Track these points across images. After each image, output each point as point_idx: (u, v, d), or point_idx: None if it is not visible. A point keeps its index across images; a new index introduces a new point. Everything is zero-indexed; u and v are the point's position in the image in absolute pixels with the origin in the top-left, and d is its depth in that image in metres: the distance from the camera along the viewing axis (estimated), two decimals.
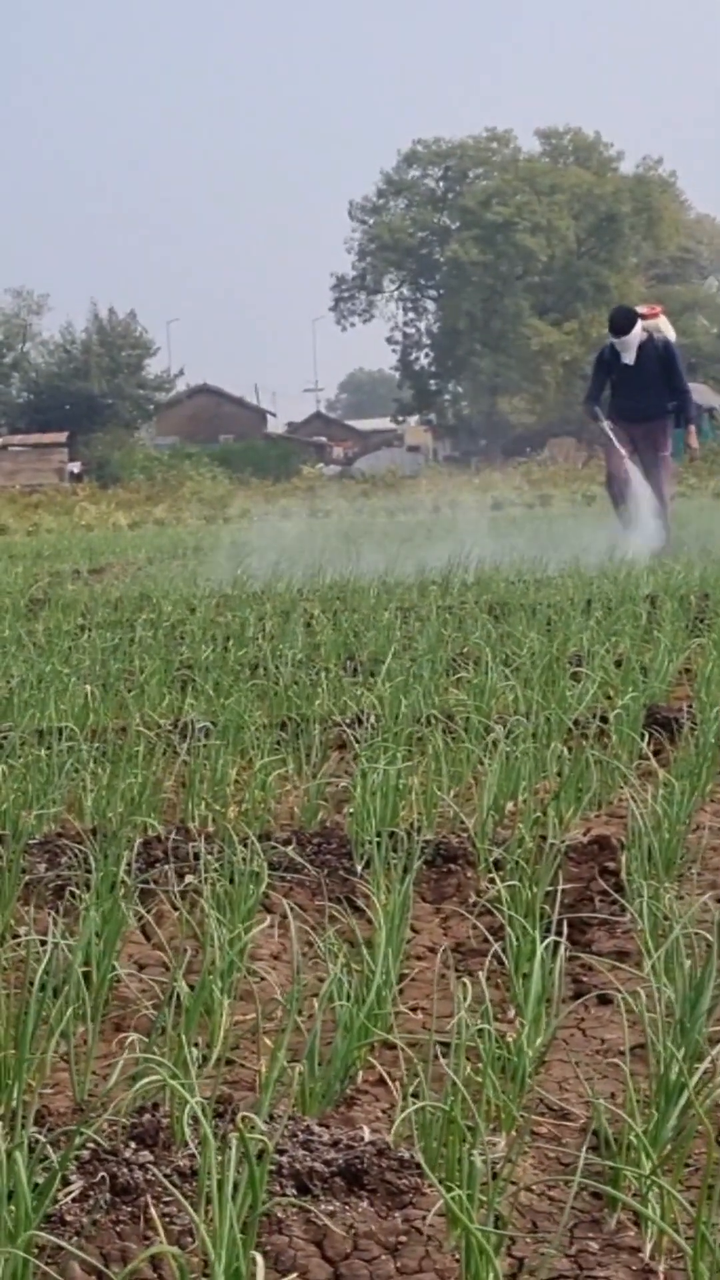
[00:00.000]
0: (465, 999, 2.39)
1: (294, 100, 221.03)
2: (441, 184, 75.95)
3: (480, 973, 2.61)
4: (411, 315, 77.33)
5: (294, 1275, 1.91)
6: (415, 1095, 2.27)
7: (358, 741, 4.65)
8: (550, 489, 32.34)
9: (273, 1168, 2.07)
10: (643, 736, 4.85)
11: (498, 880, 3.18)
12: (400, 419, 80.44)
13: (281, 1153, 2.11)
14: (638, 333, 13.60)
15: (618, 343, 13.71)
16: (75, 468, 59.88)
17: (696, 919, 3.01)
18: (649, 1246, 2.01)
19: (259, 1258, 1.64)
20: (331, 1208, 2.03)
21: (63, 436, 61.98)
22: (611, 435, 13.83)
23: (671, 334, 14.00)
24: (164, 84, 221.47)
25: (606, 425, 13.90)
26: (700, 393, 60.30)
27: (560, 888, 3.29)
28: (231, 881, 3.14)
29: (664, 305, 14.83)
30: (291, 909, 3.09)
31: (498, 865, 3.61)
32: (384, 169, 76.83)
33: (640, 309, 14.03)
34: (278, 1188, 2.04)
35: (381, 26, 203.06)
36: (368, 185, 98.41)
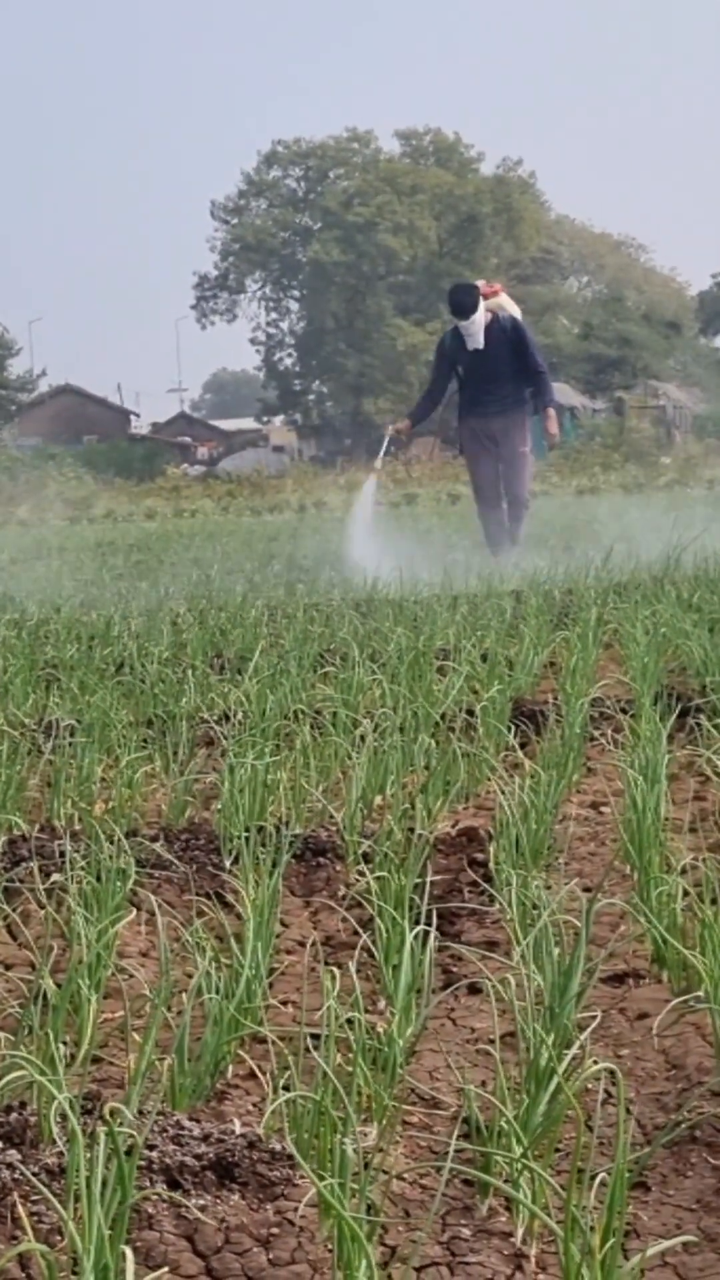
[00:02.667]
0: (334, 990, 2.38)
1: (155, 98, 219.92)
2: (303, 184, 75.97)
3: (350, 964, 2.60)
4: (275, 315, 77.32)
5: (165, 1270, 1.89)
6: (286, 1088, 2.25)
7: (225, 738, 4.62)
8: (415, 488, 32.43)
9: (143, 1163, 2.05)
10: (509, 729, 4.87)
11: (367, 873, 3.17)
12: (265, 419, 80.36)
13: (151, 1148, 2.09)
14: (482, 313, 11.84)
15: (463, 326, 11.90)
16: None
17: (564, 907, 3.03)
18: (520, 1231, 2.01)
19: (128, 1253, 1.62)
20: (203, 1201, 2.01)
21: None
22: (383, 449, 13.09)
23: (516, 311, 12.30)
24: (22, 76, 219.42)
25: (391, 431, 13.09)
26: (562, 392, 60.78)
27: (429, 879, 3.29)
28: (99, 879, 3.11)
29: (505, 286, 13.01)
30: (160, 905, 3.07)
31: (366, 858, 3.61)
32: (244, 169, 76.78)
33: (479, 285, 12.19)
34: (148, 1183, 2.02)
35: (241, 24, 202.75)
36: (229, 185, 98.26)
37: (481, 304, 11.77)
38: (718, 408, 57.61)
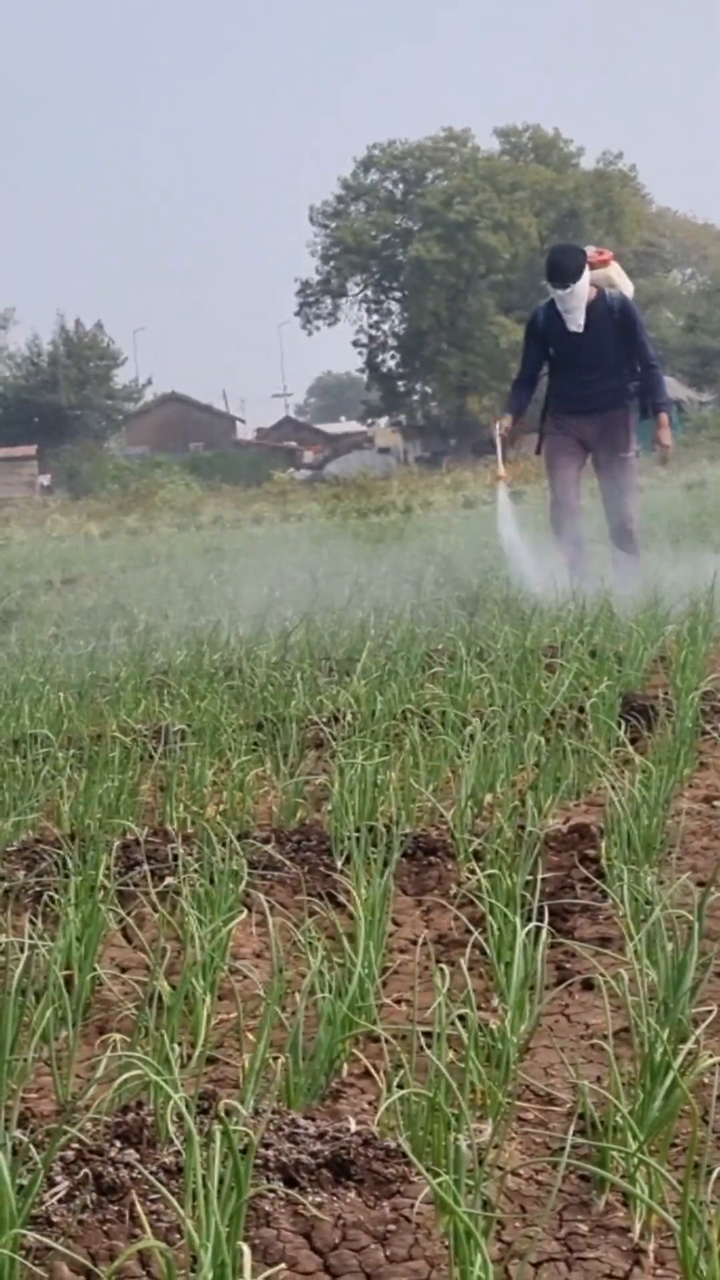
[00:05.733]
0: (446, 987, 2.39)
1: (251, 105, 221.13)
2: (400, 186, 75.99)
3: (462, 961, 2.60)
4: (376, 317, 77.32)
5: (282, 1266, 1.90)
6: (400, 1085, 2.26)
7: (334, 739, 4.64)
8: (522, 485, 32.31)
9: (259, 1161, 2.06)
10: (619, 725, 4.85)
11: (477, 870, 3.17)
12: (369, 421, 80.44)
13: (267, 1146, 2.10)
14: (585, 285, 9.53)
15: (560, 298, 9.57)
16: (45, 480, 59.83)
17: (677, 901, 3.01)
18: (638, 1226, 2.01)
19: (246, 1249, 1.63)
20: (319, 1199, 2.02)
21: (32, 449, 61.92)
22: (499, 451, 10.62)
23: (629, 288, 9.94)
24: (122, 91, 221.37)
25: (499, 429, 10.55)
26: (669, 385, 60.48)
27: (540, 876, 3.29)
28: (211, 881, 3.13)
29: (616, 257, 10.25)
30: (272, 906, 3.09)
31: (477, 856, 3.61)
32: (341, 175, 76.89)
33: (588, 251, 9.83)
34: (264, 1181, 2.03)
35: (333, 24, 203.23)
36: (326, 192, 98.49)
37: (586, 273, 9.51)
38: None
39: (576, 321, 9.54)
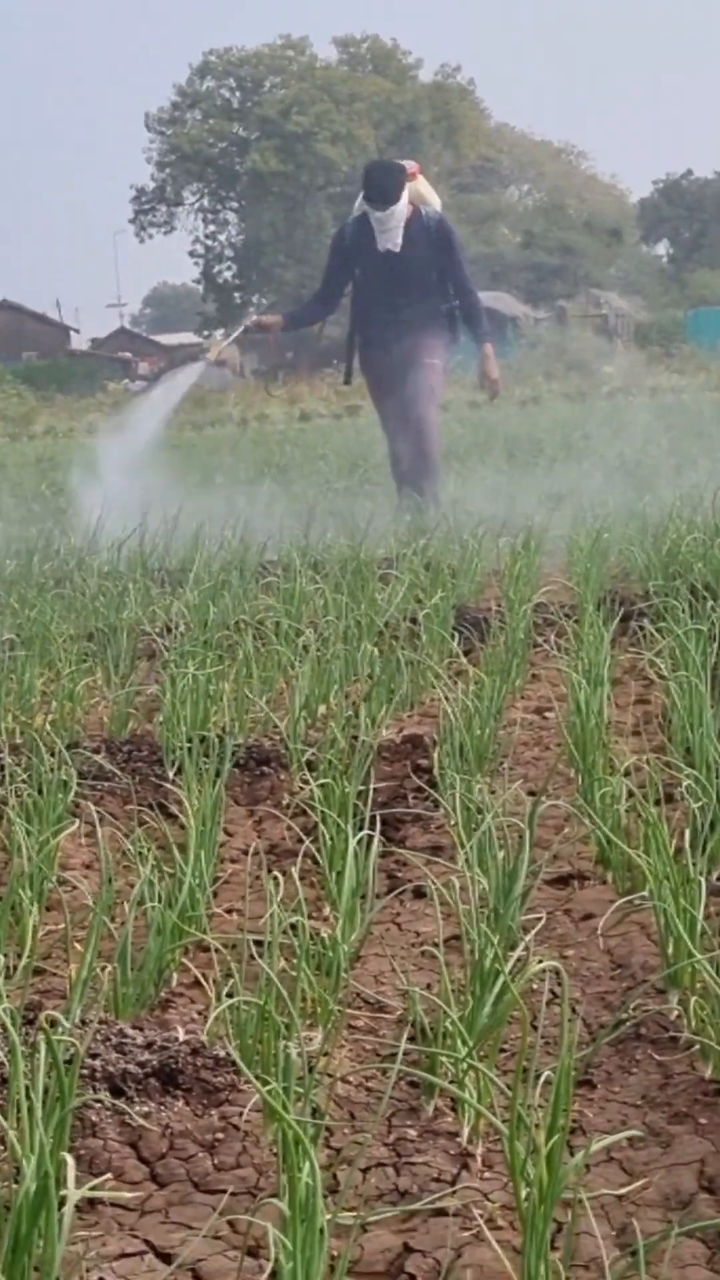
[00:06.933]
0: (278, 896, 2.37)
1: (86, 9, 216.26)
2: (237, 94, 75.01)
3: (294, 870, 2.58)
4: (213, 228, 76.46)
5: (108, 1176, 1.88)
6: (230, 994, 2.24)
7: (167, 650, 4.59)
8: (358, 400, 32.24)
9: (85, 1072, 2.03)
10: (453, 636, 4.86)
11: (310, 780, 3.15)
12: (205, 333, 79.70)
13: (94, 1056, 2.08)
14: (405, 205, 8.76)
15: (379, 220, 8.79)
16: None
17: (509, 810, 3.02)
18: (467, 1130, 2.01)
19: (70, 1159, 1.60)
20: (146, 1108, 2.00)
21: None
22: (234, 334, 9.51)
23: (437, 202, 9.11)
24: None
25: (246, 323, 9.68)
26: (504, 302, 60.54)
27: (373, 786, 3.28)
28: (40, 791, 3.08)
29: (421, 167, 9.31)
30: (102, 817, 3.05)
31: (311, 766, 3.60)
32: (176, 82, 75.73)
33: (407, 165, 9.05)
34: (91, 1091, 2.01)
35: None
36: (163, 98, 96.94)
37: (406, 191, 8.79)
38: (659, 315, 57.46)
39: (394, 241, 8.79)
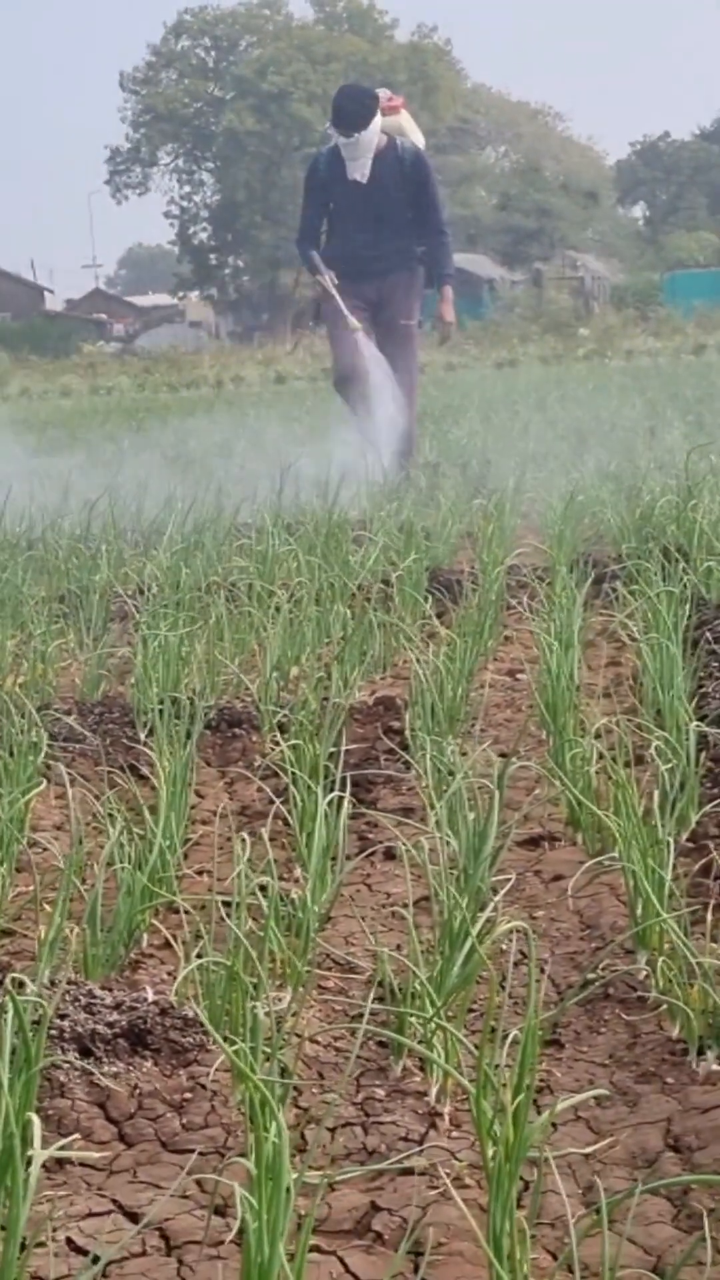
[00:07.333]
0: (246, 857, 2.37)
1: None
2: (213, 54, 74.55)
3: (264, 832, 2.58)
4: (188, 188, 76.02)
5: (76, 1136, 1.88)
6: (200, 955, 2.24)
7: (139, 611, 4.58)
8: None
9: (54, 1033, 2.03)
10: (426, 599, 4.85)
11: (282, 742, 3.15)
12: (181, 294, 79.32)
13: (63, 1017, 2.08)
14: (375, 133, 8.44)
15: (345, 146, 8.48)
16: None
17: (480, 772, 3.02)
18: (435, 1090, 2.02)
19: (36, 1120, 1.60)
20: (115, 1069, 2.00)
21: None
22: (341, 304, 8.65)
23: (420, 139, 8.86)
24: None
25: (329, 281, 8.74)
26: (480, 264, 60.35)
27: (345, 748, 3.28)
28: (10, 753, 3.07)
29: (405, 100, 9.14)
30: (73, 779, 3.04)
31: (282, 728, 3.60)
32: (150, 42, 75.22)
33: (380, 94, 8.73)
34: (59, 1052, 2.01)
35: None
36: (138, 57, 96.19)
37: (378, 120, 8.44)
38: (635, 278, 57.32)
39: (362, 170, 8.49)
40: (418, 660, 3.67)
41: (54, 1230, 1.72)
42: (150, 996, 2.17)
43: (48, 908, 2.57)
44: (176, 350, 43.58)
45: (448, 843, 2.56)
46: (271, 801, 3.02)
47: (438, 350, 23.09)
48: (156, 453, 10.82)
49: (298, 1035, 2.16)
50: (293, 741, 3.08)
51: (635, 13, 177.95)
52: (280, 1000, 2.24)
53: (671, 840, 2.44)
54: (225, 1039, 1.95)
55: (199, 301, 78.01)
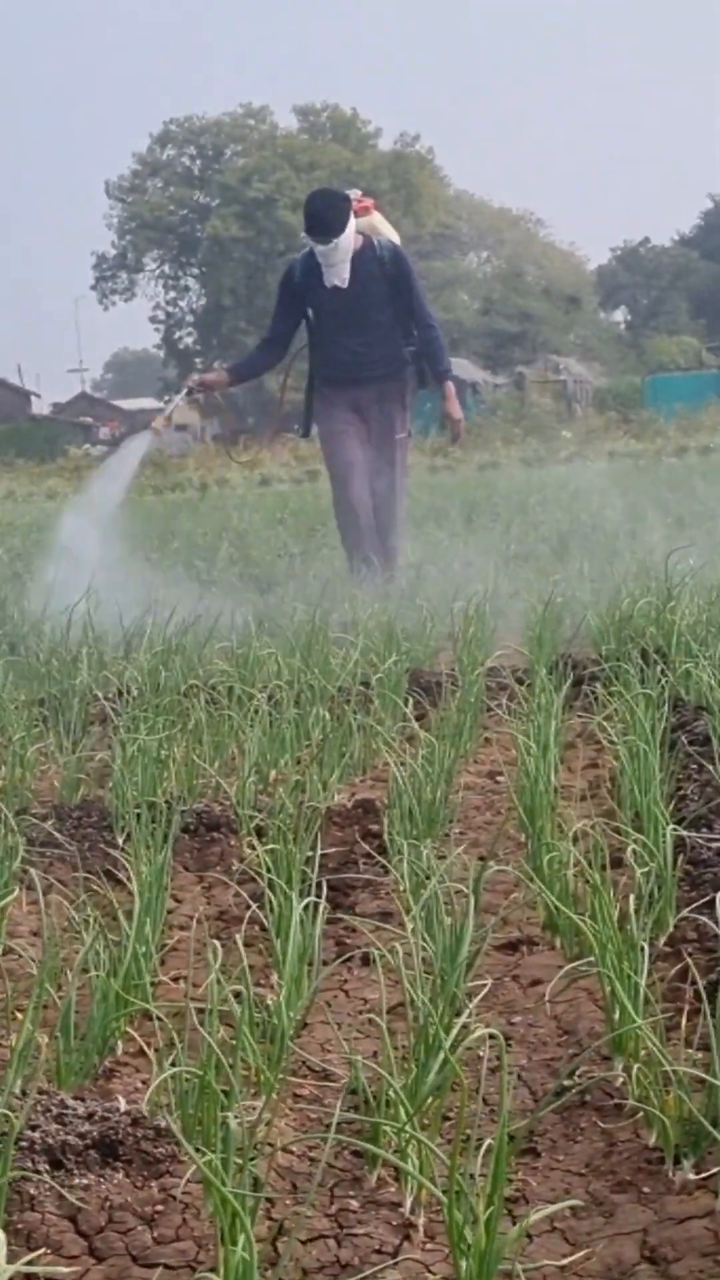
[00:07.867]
0: (218, 963, 2.35)
1: (48, 76, 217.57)
2: (199, 162, 75.50)
3: (238, 937, 2.57)
4: (174, 294, 76.78)
5: (44, 1251, 1.85)
6: (174, 1064, 2.22)
7: (119, 714, 4.58)
8: (317, 464, 32.32)
9: (24, 1144, 2.01)
10: (406, 701, 4.86)
11: (259, 846, 3.14)
12: (166, 398, 79.82)
13: (34, 1128, 2.05)
14: (351, 236, 8.12)
15: (323, 254, 8.15)
16: None
17: (457, 875, 3.01)
18: (409, 1200, 2.00)
19: (1, 1235, 1.58)
20: (86, 1180, 1.98)
21: None
22: (177, 398, 8.92)
23: (394, 236, 8.49)
24: None
25: (188, 384, 9.15)
26: (463, 368, 60.80)
27: (322, 852, 3.27)
28: None
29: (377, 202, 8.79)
30: (50, 884, 3.03)
31: (260, 832, 3.58)
32: (136, 151, 76.19)
33: (351, 195, 8.35)
34: (29, 1163, 1.98)
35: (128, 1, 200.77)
36: (124, 166, 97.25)
37: (352, 223, 8.13)
38: (617, 381, 57.79)
39: (341, 275, 8.13)
40: (397, 764, 3.67)
41: None
42: (123, 1106, 2.15)
43: (20, 1015, 2.55)
44: (162, 453, 43.83)
45: (424, 948, 2.54)
46: (248, 906, 3.00)
47: (422, 453, 23.25)
48: (139, 556, 10.86)
49: (270, 1145, 2.13)
50: (270, 846, 3.07)
51: (615, 121, 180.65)
52: (254, 1109, 2.22)
53: (647, 945, 2.43)
54: (197, 1150, 1.93)
55: (185, 405, 78.54)
